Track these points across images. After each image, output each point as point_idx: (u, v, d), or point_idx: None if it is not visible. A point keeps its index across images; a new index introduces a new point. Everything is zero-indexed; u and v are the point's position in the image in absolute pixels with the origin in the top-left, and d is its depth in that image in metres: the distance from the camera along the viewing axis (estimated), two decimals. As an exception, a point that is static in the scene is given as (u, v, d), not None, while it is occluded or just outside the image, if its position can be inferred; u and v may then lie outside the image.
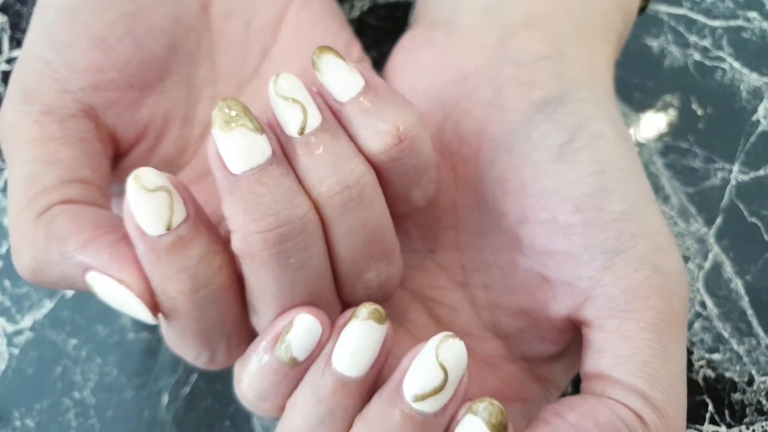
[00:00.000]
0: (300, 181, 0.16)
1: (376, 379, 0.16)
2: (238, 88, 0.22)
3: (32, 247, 0.17)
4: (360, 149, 0.16)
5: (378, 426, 0.15)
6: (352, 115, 0.16)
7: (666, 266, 0.16)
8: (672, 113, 0.26)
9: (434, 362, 0.15)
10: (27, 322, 0.25)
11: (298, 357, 0.16)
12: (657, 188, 0.25)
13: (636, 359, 0.16)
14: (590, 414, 0.15)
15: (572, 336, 0.19)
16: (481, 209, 0.20)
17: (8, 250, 0.26)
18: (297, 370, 0.16)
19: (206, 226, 0.16)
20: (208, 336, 0.17)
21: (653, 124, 0.26)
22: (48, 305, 0.25)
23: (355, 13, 0.29)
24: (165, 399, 0.24)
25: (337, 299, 0.18)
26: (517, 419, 0.19)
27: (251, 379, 0.17)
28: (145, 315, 0.16)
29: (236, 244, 0.16)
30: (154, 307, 0.16)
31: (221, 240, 0.17)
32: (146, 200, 0.15)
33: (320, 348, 0.16)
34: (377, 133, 0.16)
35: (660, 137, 0.26)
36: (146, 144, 0.20)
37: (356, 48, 0.22)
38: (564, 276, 0.17)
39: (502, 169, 0.18)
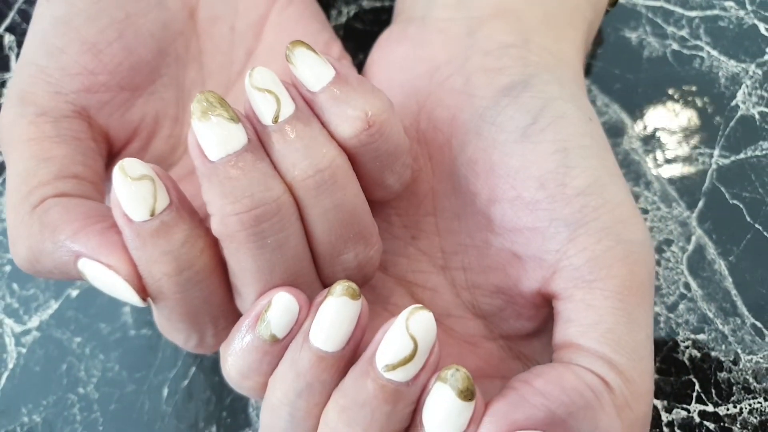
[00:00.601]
0: (275, 167, 0.17)
1: (353, 354, 0.17)
2: (226, 88, 0.23)
3: (27, 238, 0.18)
4: (332, 135, 0.17)
5: (352, 396, 0.16)
6: (323, 103, 0.17)
7: (629, 236, 0.17)
8: (652, 102, 0.27)
9: (404, 333, 0.16)
10: (34, 322, 0.26)
11: (277, 334, 0.17)
12: (639, 175, 0.26)
13: (600, 326, 0.16)
14: (556, 380, 0.16)
15: (547, 312, 0.19)
16: (456, 193, 0.20)
17: (16, 255, 0.27)
18: (277, 348, 0.17)
19: (189, 213, 0.17)
20: (195, 318, 0.18)
21: (634, 112, 0.27)
22: (54, 305, 0.27)
23: (342, 19, 0.30)
24: (165, 392, 0.25)
25: (318, 281, 0.19)
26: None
27: (235, 357, 0.17)
28: (133, 298, 0.17)
29: (215, 226, 0.17)
30: (142, 290, 0.17)
31: (204, 226, 0.18)
32: (131, 188, 0.16)
33: (299, 325, 0.17)
34: (347, 119, 0.17)
35: (641, 125, 0.27)
36: (138, 143, 0.21)
37: (336, 47, 0.24)
38: (532, 251, 0.18)
39: (472, 152, 0.19)
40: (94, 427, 0.25)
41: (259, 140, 0.17)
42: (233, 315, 0.19)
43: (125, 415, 0.25)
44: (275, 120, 0.17)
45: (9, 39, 0.31)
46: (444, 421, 0.15)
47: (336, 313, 0.16)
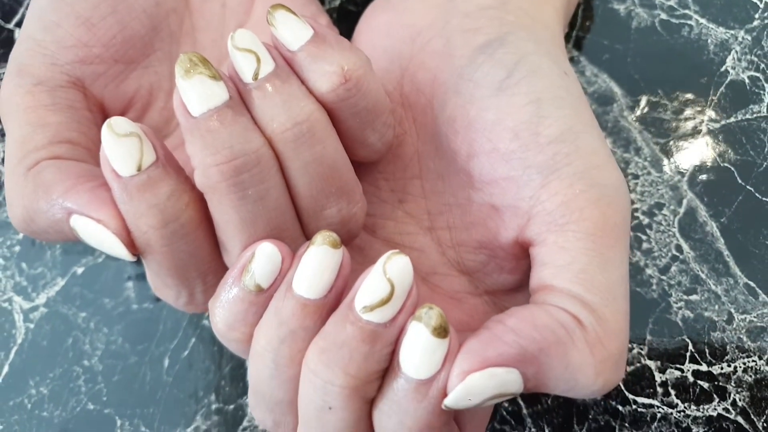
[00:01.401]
0: (255, 123, 0.18)
1: (336, 303, 0.17)
2: (218, 63, 0.24)
3: (22, 198, 0.19)
4: (311, 92, 0.18)
5: (331, 338, 0.16)
6: (302, 61, 0.18)
7: (602, 180, 0.17)
8: (641, 71, 0.27)
9: (381, 276, 0.16)
10: (41, 299, 0.27)
11: (261, 284, 0.18)
12: (629, 141, 0.26)
13: (573, 267, 0.17)
14: (528, 318, 0.16)
15: (527, 265, 0.19)
16: (439, 153, 0.21)
17: (24, 235, 0.28)
18: (262, 298, 0.18)
19: (175, 169, 0.18)
20: (183, 273, 0.19)
21: (623, 81, 0.27)
22: (60, 282, 0.28)
23: (336, 2, 0.31)
24: (166, 363, 0.26)
25: (302, 236, 0.19)
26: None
27: (221, 309, 0.18)
28: (122, 252, 0.18)
29: (198, 179, 0.17)
30: (131, 245, 0.18)
31: (189, 183, 0.18)
32: (118, 144, 0.17)
33: (282, 276, 0.18)
34: (324, 74, 0.18)
35: (630, 94, 0.27)
36: (133, 113, 0.22)
37: (323, 19, 0.24)
38: (508, 200, 0.18)
39: (452, 110, 0.20)
40: (99, 397, 0.26)
41: (241, 98, 0.18)
42: (221, 272, 0.19)
43: (128, 386, 0.26)
44: (255, 77, 0.17)
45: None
46: (419, 358, 0.16)
47: (317, 261, 0.17)
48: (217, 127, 0.17)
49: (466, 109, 0.19)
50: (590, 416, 0.23)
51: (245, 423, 0.25)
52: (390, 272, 0.16)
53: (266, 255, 0.17)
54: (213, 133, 0.17)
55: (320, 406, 0.17)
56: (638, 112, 0.27)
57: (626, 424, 0.23)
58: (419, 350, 0.16)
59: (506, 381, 0.15)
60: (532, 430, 0.23)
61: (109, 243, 0.18)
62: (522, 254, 0.19)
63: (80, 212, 0.18)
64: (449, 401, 0.15)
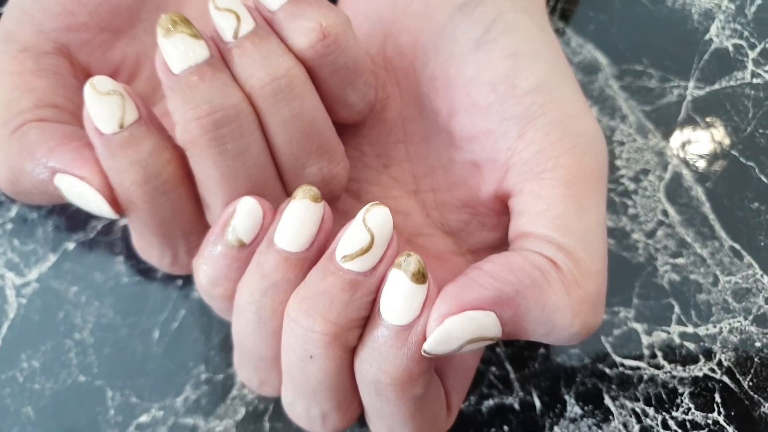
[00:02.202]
0: (235, 80, 0.18)
1: (317, 258, 0.18)
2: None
3: (7, 158, 0.19)
4: (290, 49, 0.18)
5: (312, 287, 0.17)
6: (281, 20, 0.18)
7: (578, 129, 0.17)
8: (625, 40, 0.27)
9: (361, 226, 0.16)
10: (33, 274, 0.28)
11: (243, 239, 0.18)
12: (614, 109, 0.26)
13: (549, 213, 0.17)
14: (504, 262, 0.16)
15: (508, 221, 0.19)
16: (422, 115, 0.21)
17: (17, 213, 0.29)
18: (244, 253, 0.18)
19: (157, 128, 0.18)
20: (166, 232, 0.19)
21: (608, 51, 0.27)
22: (52, 258, 0.28)
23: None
24: (156, 334, 0.26)
25: (284, 195, 0.19)
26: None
27: (205, 265, 0.18)
28: (106, 209, 0.18)
29: (179, 134, 0.18)
30: (114, 202, 0.18)
31: (171, 141, 0.18)
32: (100, 102, 0.17)
33: (264, 231, 0.18)
34: (303, 31, 0.18)
35: (615, 63, 0.27)
36: (119, 82, 0.22)
37: None
38: (487, 154, 0.18)
39: (432, 69, 0.20)
40: (90, 369, 0.26)
41: (222, 57, 0.18)
42: (204, 232, 0.20)
43: (119, 358, 0.26)
44: (235, 36, 0.18)
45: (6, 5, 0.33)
46: (399, 304, 0.16)
47: (298, 215, 0.17)
48: (197, 83, 0.17)
49: (446, 68, 0.19)
50: (578, 379, 0.23)
51: (234, 392, 0.25)
52: (370, 222, 0.16)
53: (247, 209, 0.18)
54: (193, 88, 0.17)
55: (302, 355, 0.17)
56: (623, 81, 0.27)
57: (613, 386, 0.23)
58: (399, 296, 0.16)
59: (483, 324, 0.15)
60: (520, 394, 0.23)
61: (92, 200, 0.18)
62: (502, 209, 0.19)
63: (64, 171, 0.18)
64: (428, 345, 0.16)
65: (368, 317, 0.17)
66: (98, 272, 0.27)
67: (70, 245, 0.28)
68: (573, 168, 0.17)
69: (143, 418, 0.25)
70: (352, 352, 0.17)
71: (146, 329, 0.26)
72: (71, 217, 0.28)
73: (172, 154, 0.18)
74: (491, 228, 0.20)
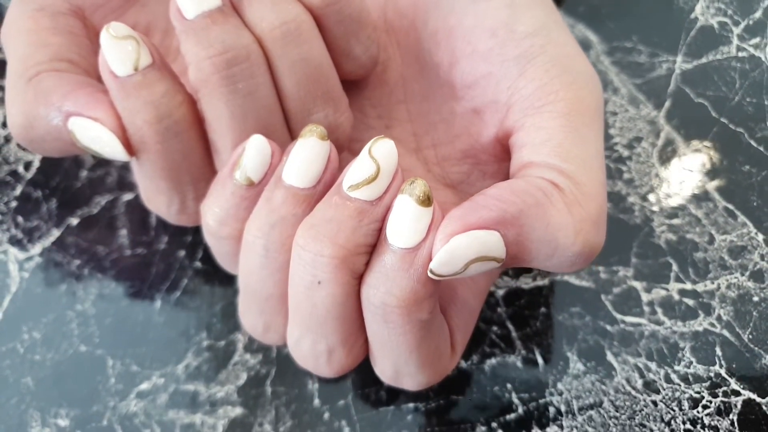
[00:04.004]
0: (246, 26, 0.19)
1: (324, 195, 0.18)
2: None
3: (22, 104, 0.19)
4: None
5: (320, 215, 0.17)
6: None
7: (575, 67, 0.18)
8: (614, 20, 0.29)
9: (367, 157, 0.17)
10: (37, 249, 0.28)
11: (252, 177, 0.18)
12: (606, 83, 0.27)
13: (550, 142, 0.17)
14: (507, 186, 0.16)
15: (508, 167, 0.20)
16: (423, 73, 0.22)
17: (21, 192, 0.29)
18: (253, 192, 0.18)
19: (170, 73, 0.19)
20: (176, 176, 0.20)
21: (598, 30, 0.28)
22: (55, 233, 0.28)
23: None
24: (158, 303, 0.26)
25: (291, 140, 0.20)
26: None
27: (213, 205, 0.19)
28: (118, 149, 0.19)
29: (192, 74, 0.18)
30: (126, 143, 0.19)
31: (184, 87, 0.19)
32: (116, 46, 0.18)
33: (272, 169, 0.18)
34: None
35: (605, 41, 0.28)
36: (129, 47, 0.23)
37: None
38: (489, 97, 0.19)
39: (433, 24, 0.21)
40: (91, 340, 0.26)
41: (233, 7, 0.19)
42: (213, 180, 0.20)
43: (120, 328, 0.26)
44: (246, -16, 0.19)
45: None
46: (405, 227, 0.16)
47: (306, 152, 0.18)
48: (210, 25, 0.18)
49: (446, 20, 0.20)
50: (579, 337, 0.23)
51: (236, 358, 0.25)
52: (375, 153, 0.17)
53: (256, 147, 0.18)
54: (206, 30, 0.18)
55: (309, 282, 0.17)
56: (614, 57, 0.28)
57: (615, 343, 0.23)
58: (405, 220, 0.16)
59: (488, 242, 0.16)
60: (522, 352, 0.23)
61: (106, 142, 0.19)
62: (503, 155, 0.20)
63: (78, 113, 0.18)
64: (434, 265, 0.16)
65: (375, 245, 0.17)
66: (101, 245, 0.27)
67: (74, 221, 0.28)
68: (572, 101, 0.18)
69: (144, 386, 0.25)
70: (359, 280, 0.17)
71: (148, 299, 0.26)
72: (75, 195, 0.29)
73: (185, 97, 0.19)
74: (492, 176, 0.20)
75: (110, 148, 0.19)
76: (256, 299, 0.19)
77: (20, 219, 0.29)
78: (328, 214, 0.17)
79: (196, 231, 0.27)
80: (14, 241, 0.28)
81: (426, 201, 0.16)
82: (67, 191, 0.29)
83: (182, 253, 0.27)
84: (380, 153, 0.17)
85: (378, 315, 0.17)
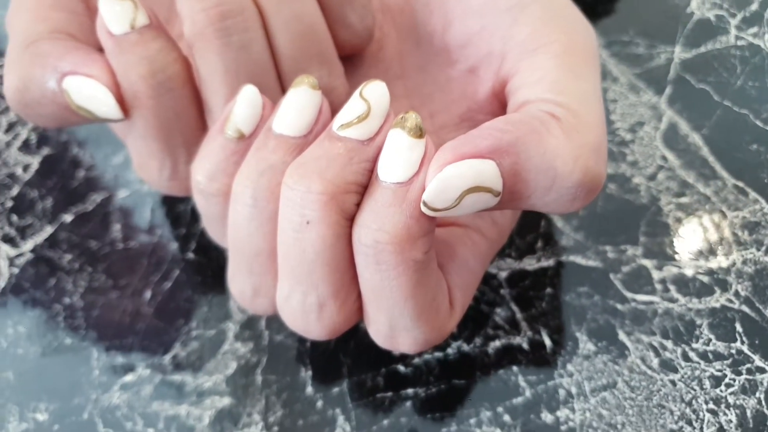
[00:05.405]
0: None
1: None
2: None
3: (19, 68, 0.19)
4: None
5: (310, 154, 0.16)
6: None
7: (567, 14, 0.18)
8: (610, 16, 0.29)
9: (358, 98, 0.17)
10: (28, 245, 0.27)
11: (243, 129, 0.18)
12: (605, 73, 0.27)
13: (546, 80, 0.17)
14: (502, 118, 0.16)
15: None
16: (419, 45, 0.22)
17: (18, 193, 0.29)
18: (244, 146, 0.18)
19: (166, 34, 0.19)
20: (168, 135, 0.19)
21: (595, 25, 0.29)
22: (48, 230, 0.27)
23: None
24: (147, 294, 0.25)
25: (283, 99, 0.20)
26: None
27: (203, 161, 0.18)
28: (112, 106, 0.18)
29: (186, 28, 0.18)
30: (120, 100, 0.18)
31: (179, 47, 0.19)
32: (113, 5, 0.18)
33: (263, 123, 0.18)
34: None
35: (602, 35, 0.28)
36: (128, 29, 0.23)
37: None
38: (483, 50, 0.19)
39: (426, -8, 0.21)
40: (77, 332, 0.25)
41: None
42: None
43: (108, 319, 0.25)
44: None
45: None
46: (396, 160, 0.16)
47: (297, 100, 0.17)
48: None
49: (438, -14, 0.20)
50: (588, 316, 0.22)
51: (226, 346, 0.23)
52: (367, 94, 0.17)
53: (247, 97, 0.18)
54: None
55: (298, 224, 0.16)
56: (612, 50, 0.28)
57: (627, 322, 0.22)
58: (396, 153, 0.16)
59: (483, 171, 0.15)
60: (528, 333, 0.22)
61: (100, 99, 0.18)
62: (500, 111, 0.19)
63: (73, 71, 0.18)
64: (427, 196, 0.15)
65: (366, 186, 0.16)
66: (93, 240, 0.27)
67: (68, 217, 0.28)
68: (566, 42, 0.17)
69: (128, 378, 0.23)
70: (350, 222, 0.16)
71: (138, 290, 0.25)
72: (71, 193, 0.28)
73: (179, 55, 0.19)
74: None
75: (105, 106, 0.18)
76: (245, 258, 0.18)
77: (15, 218, 0.28)
78: (318, 152, 0.16)
79: (190, 223, 0.26)
80: (7, 239, 0.28)
81: (418, 132, 0.16)
82: (63, 191, 0.28)
83: (175, 245, 0.26)
84: (372, 94, 0.16)
85: (370, 257, 0.16)
